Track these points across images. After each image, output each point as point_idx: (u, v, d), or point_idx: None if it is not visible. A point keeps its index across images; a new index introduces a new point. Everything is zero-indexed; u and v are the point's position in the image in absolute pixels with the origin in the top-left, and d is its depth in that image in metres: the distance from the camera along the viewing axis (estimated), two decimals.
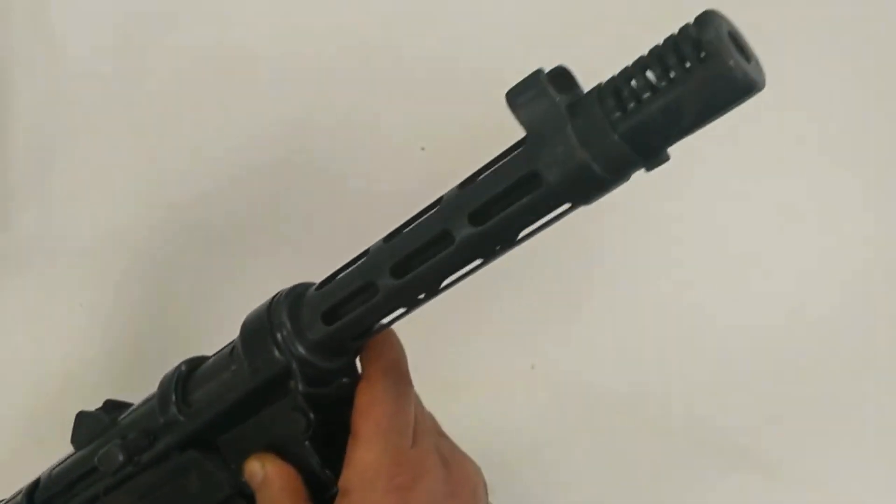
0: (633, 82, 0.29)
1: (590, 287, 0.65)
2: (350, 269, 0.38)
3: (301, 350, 0.39)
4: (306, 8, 0.68)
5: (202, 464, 0.42)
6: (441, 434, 0.45)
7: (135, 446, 0.42)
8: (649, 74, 0.28)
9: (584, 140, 0.29)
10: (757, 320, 0.72)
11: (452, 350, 0.63)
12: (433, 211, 0.35)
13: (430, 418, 0.45)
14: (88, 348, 0.64)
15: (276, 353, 0.38)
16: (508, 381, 0.59)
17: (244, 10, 0.67)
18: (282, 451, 0.40)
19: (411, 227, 0.36)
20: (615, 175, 0.30)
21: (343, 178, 0.64)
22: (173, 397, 0.41)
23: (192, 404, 0.41)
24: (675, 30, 0.28)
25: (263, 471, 0.40)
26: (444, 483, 0.40)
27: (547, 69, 0.31)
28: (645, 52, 0.29)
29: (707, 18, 0.28)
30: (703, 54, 0.27)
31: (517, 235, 0.33)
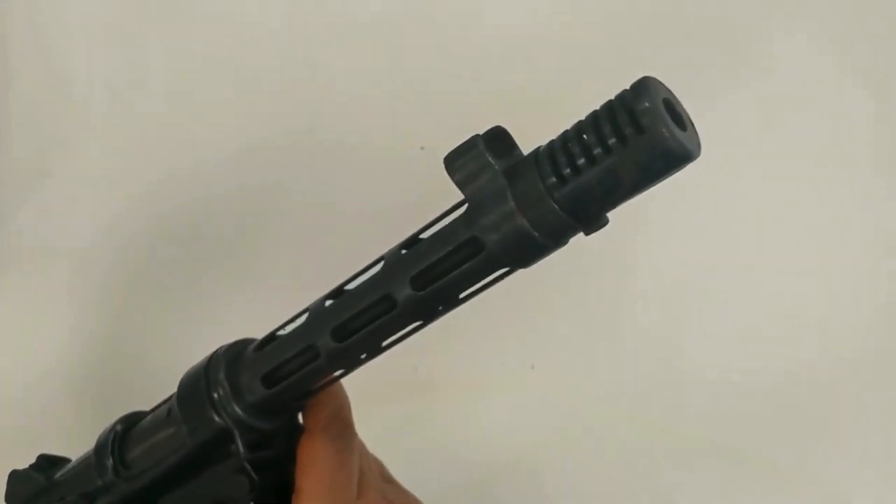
0: (571, 149, 0.29)
1: (589, 287, 0.65)
2: (290, 329, 0.37)
3: (240, 412, 0.38)
4: (305, 7, 0.68)
5: None
6: (388, 480, 0.45)
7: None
8: (586, 140, 0.29)
9: (522, 206, 0.30)
10: (759, 320, 0.72)
11: (452, 350, 0.63)
12: (375, 271, 0.35)
13: (377, 464, 0.45)
14: (84, 349, 0.64)
15: (214, 415, 0.38)
16: (508, 381, 0.58)
17: (242, 10, 0.67)
18: None
19: (353, 288, 0.36)
20: (554, 241, 0.30)
21: (342, 177, 0.64)
22: (110, 460, 0.41)
23: (131, 466, 0.41)
24: (613, 95, 0.29)
25: None
26: None
27: (483, 131, 0.31)
28: (584, 115, 0.29)
29: (642, 87, 0.28)
30: (637, 124, 0.28)
31: (458, 297, 0.34)
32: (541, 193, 0.30)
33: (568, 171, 0.29)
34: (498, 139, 0.32)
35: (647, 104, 0.28)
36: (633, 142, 0.28)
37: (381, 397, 0.71)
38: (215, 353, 0.40)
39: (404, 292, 0.33)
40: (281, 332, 0.38)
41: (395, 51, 0.67)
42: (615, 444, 0.62)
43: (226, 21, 0.67)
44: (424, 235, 0.34)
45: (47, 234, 0.67)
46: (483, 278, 0.33)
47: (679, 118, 0.29)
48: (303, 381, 0.37)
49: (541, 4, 0.65)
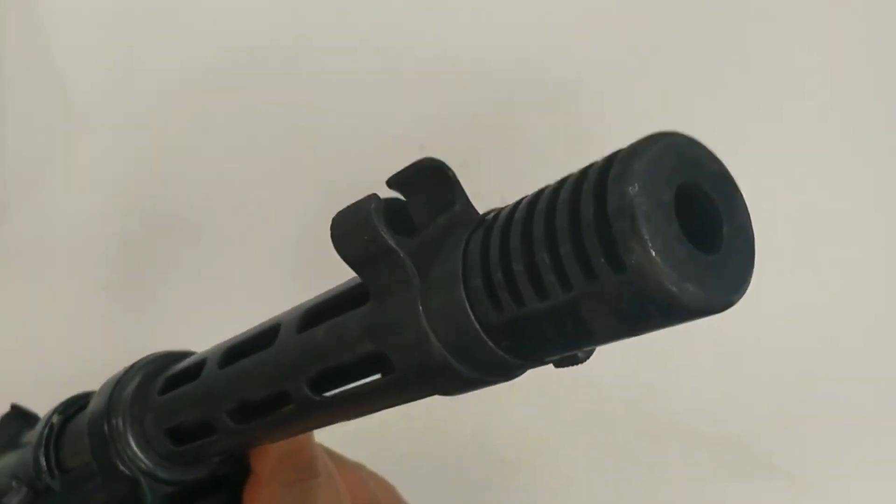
0: (510, 260, 0.19)
1: None
2: (186, 387, 0.31)
3: (147, 463, 0.32)
4: (304, 7, 0.67)
5: None
6: None
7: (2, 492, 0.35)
8: (534, 254, 0.19)
9: (440, 329, 0.21)
10: (766, 318, 0.72)
11: None
12: (270, 351, 0.27)
13: (346, 493, 0.36)
14: (82, 349, 0.64)
15: (119, 463, 0.32)
16: (509, 382, 0.58)
17: (240, 9, 0.67)
18: None
19: (248, 361, 0.28)
20: (493, 376, 0.23)
21: (341, 176, 0.63)
22: (44, 461, 0.35)
23: (68, 473, 0.35)
24: (587, 163, 0.18)
25: None
26: None
27: (383, 196, 0.23)
28: (534, 211, 0.19)
29: (637, 165, 0.16)
30: (613, 253, 0.17)
31: (371, 412, 0.26)
32: (466, 318, 0.20)
33: (506, 296, 0.19)
34: (400, 212, 0.23)
35: (635, 214, 0.16)
36: (607, 279, 0.17)
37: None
38: (118, 382, 0.34)
39: (302, 392, 0.26)
40: (182, 380, 0.31)
41: (394, 49, 0.67)
42: (618, 443, 0.62)
43: (224, 20, 0.66)
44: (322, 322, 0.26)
45: (45, 235, 0.67)
46: (398, 400, 0.25)
47: (709, 227, 0.17)
48: (208, 450, 0.31)
49: (546, 3, 0.65)
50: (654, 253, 0.16)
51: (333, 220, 0.23)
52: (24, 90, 0.67)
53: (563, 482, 0.55)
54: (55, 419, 0.37)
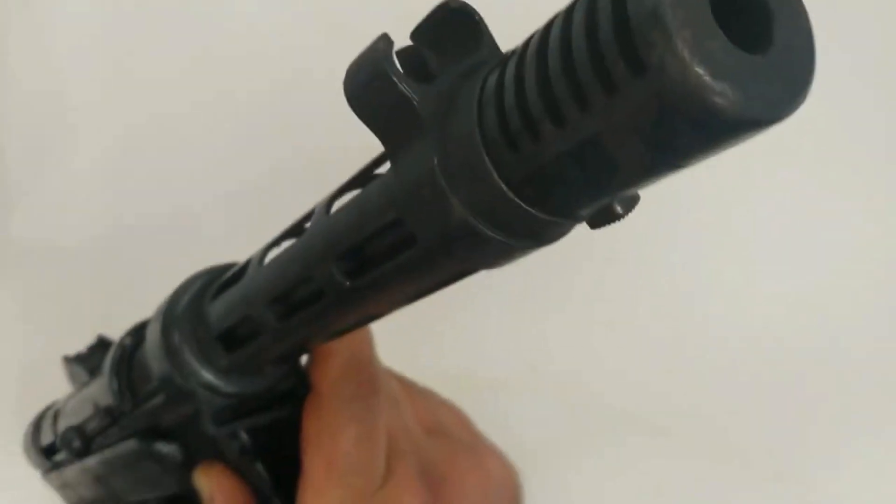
0: (525, 91, 0.17)
1: (592, 288, 0.65)
2: (232, 290, 0.30)
3: (205, 375, 0.31)
4: (304, 7, 0.67)
5: (152, 457, 0.35)
6: (436, 430, 0.35)
7: (92, 429, 0.35)
8: (550, 78, 0.16)
9: (459, 186, 0.19)
10: (766, 319, 0.72)
11: (452, 350, 0.62)
12: (302, 238, 0.27)
13: (424, 402, 0.35)
14: (80, 348, 0.64)
15: (178, 378, 0.31)
16: (509, 382, 0.58)
17: (238, 10, 0.67)
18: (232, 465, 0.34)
19: (280, 257, 0.28)
20: (525, 241, 0.20)
21: (341, 176, 0.63)
22: (116, 384, 0.35)
23: (138, 394, 0.34)
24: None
25: (209, 488, 0.33)
26: None
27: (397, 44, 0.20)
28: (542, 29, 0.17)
29: None
30: (633, 55, 0.14)
31: (406, 299, 0.24)
32: (483, 167, 0.18)
33: (522, 131, 0.17)
34: (416, 56, 0.20)
35: (657, 2, 0.13)
36: (627, 90, 0.14)
37: None
38: (174, 295, 0.33)
39: (332, 278, 0.24)
40: (233, 280, 0.31)
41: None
42: (618, 448, 0.62)
43: (222, 21, 0.66)
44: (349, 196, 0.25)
45: (43, 235, 0.67)
46: (429, 278, 0.23)
47: (756, 23, 0.14)
48: (263, 352, 0.30)
49: (548, 3, 0.65)
50: (679, 46, 0.13)
51: (346, 72, 0.21)
52: (23, 91, 0.67)
53: (559, 488, 0.55)
54: (126, 341, 0.36)
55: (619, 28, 0.14)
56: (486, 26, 0.20)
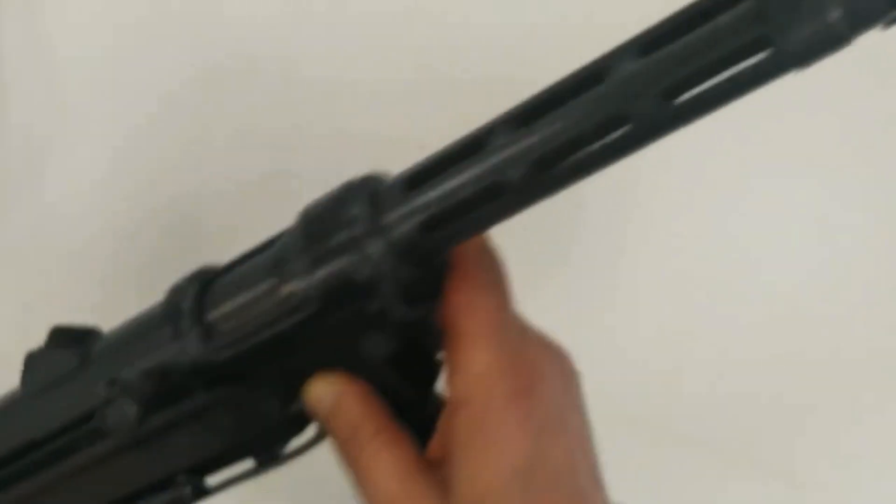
0: None
1: (592, 288, 0.65)
2: (460, 165, 0.30)
3: (388, 256, 0.31)
4: (304, 8, 0.67)
5: (238, 399, 0.33)
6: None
7: (150, 393, 0.32)
8: None
9: None
10: (764, 318, 0.72)
11: None
12: (599, 87, 0.26)
13: None
14: None
15: (356, 258, 0.31)
16: None
17: (239, 11, 0.67)
18: (353, 371, 0.33)
19: (568, 105, 0.27)
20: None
21: (341, 176, 0.63)
22: (189, 323, 0.33)
23: (221, 332, 0.33)
24: None
25: (334, 394, 0.33)
26: (562, 387, 0.34)
27: None
28: None
29: None
30: None
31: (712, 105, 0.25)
32: None
33: None
34: None
35: None
36: None
37: None
38: (348, 184, 0.33)
39: (647, 107, 0.25)
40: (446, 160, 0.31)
41: (394, 48, 0.67)
42: (619, 447, 0.62)
43: (223, 20, 0.66)
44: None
45: (44, 234, 0.67)
46: (761, 81, 0.24)
47: None
48: (474, 226, 0.30)
49: (548, 3, 0.65)
50: None
51: None
52: (23, 89, 0.67)
53: None
54: (197, 284, 0.34)
55: None
56: None
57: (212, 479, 0.38)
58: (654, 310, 0.63)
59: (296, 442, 0.36)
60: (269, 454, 0.36)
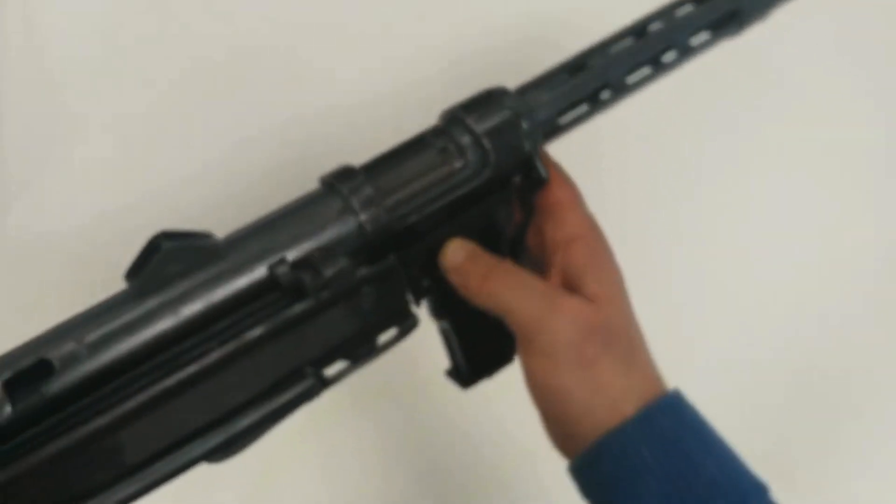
0: None
1: None
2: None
3: (537, 145, 0.45)
4: (304, 8, 0.67)
5: (385, 278, 0.40)
6: None
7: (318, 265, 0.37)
8: None
9: None
10: (765, 321, 0.72)
11: None
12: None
13: None
14: None
15: (525, 144, 0.44)
16: (507, 383, 0.58)
17: (240, 8, 0.67)
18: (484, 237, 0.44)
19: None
20: None
21: None
22: (354, 201, 0.40)
23: (400, 202, 0.41)
24: None
25: (468, 248, 0.46)
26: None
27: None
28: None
29: None
30: None
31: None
32: None
33: None
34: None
35: None
36: None
37: (382, 394, 0.71)
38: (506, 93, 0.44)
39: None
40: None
41: (394, 49, 0.67)
42: None
43: (221, 18, 0.67)
44: None
45: (44, 233, 0.67)
46: None
47: None
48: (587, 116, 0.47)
49: (549, 3, 0.65)
50: None
51: None
52: (23, 89, 0.67)
53: (559, 488, 0.55)
54: (363, 170, 0.43)
55: None
56: None
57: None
58: (654, 310, 0.63)
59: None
60: (368, 347, 0.40)
